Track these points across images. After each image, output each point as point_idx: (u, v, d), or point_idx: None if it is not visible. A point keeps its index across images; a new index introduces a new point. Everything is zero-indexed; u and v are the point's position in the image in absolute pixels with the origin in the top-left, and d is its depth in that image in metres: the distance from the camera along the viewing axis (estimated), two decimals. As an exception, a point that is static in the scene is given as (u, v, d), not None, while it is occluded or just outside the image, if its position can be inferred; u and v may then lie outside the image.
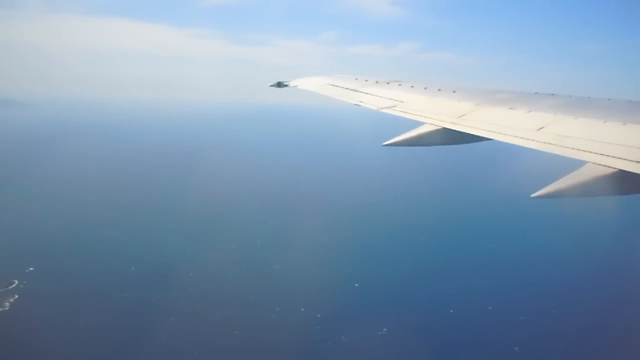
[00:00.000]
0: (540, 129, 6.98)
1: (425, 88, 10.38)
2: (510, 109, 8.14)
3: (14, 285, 57.40)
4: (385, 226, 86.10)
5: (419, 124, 8.49)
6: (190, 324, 49.59)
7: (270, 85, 12.57)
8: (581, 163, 5.89)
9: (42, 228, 78.76)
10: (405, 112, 9.06)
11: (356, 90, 11.00)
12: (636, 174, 5.29)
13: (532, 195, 5.79)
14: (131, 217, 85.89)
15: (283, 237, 76.76)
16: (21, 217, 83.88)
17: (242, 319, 51.07)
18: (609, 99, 8.03)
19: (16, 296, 54.79)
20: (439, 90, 10.06)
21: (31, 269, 61.92)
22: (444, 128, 8.01)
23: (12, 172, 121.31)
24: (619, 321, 51.72)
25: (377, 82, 11.36)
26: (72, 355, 43.91)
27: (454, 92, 9.71)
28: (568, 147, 6.24)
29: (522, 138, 6.87)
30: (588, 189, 5.58)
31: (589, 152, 6.01)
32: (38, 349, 44.01)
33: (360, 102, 10.29)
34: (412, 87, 10.63)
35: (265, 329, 49.31)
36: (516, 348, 48.37)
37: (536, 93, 9.02)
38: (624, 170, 5.44)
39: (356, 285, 61.05)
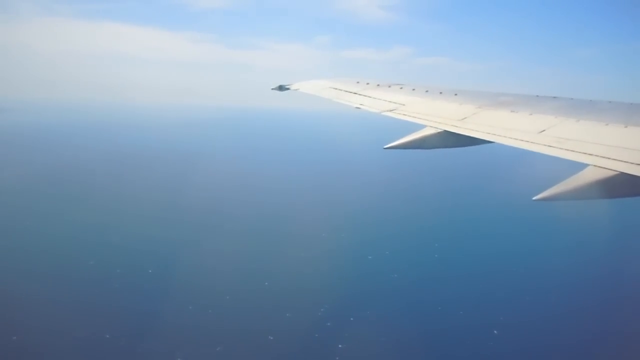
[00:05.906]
0: (542, 131, 7.00)
1: (427, 91, 10.41)
2: (511, 111, 8.17)
3: None
4: (387, 230, 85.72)
5: (420, 127, 8.52)
6: (178, 334, 47.90)
7: (272, 89, 12.59)
8: (583, 166, 5.90)
9: (29, 229, 78.06)
10: (407, 115, 9.08)
11: (357, 94, 11.03)
12: (638, 176, 5.30)
13: (534, 198, 5.80)
14: (123, 222, 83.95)
15: (282, 243, 75.23)
16: (9, 219, 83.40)
17: (239, 327, 49.78)
18: (610, 102, 8.06)
19: None
20: (441, 93, 10.08)
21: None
22: (446, 131, 8.02)
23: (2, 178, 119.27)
24: (619, 325, 51.33)
25: (378, 85, 11.39)
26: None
27: (456, 95, 9.74)
28: (570, 150, 6.26)
29: (524, 141, 6.89)
30: (590, 192, 5.60)
31: (591, 154, 6.03)
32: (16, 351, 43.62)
33: (362, 105, 10.31)
34: (413, 90, 10.66)
35: (263, 335, 48.73)
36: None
37: (538, 96, 9.04)
38: (625, 173, 5.45)
39: (357, 290, 60.07)
